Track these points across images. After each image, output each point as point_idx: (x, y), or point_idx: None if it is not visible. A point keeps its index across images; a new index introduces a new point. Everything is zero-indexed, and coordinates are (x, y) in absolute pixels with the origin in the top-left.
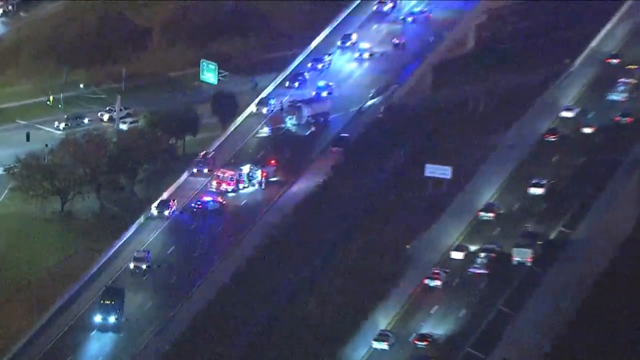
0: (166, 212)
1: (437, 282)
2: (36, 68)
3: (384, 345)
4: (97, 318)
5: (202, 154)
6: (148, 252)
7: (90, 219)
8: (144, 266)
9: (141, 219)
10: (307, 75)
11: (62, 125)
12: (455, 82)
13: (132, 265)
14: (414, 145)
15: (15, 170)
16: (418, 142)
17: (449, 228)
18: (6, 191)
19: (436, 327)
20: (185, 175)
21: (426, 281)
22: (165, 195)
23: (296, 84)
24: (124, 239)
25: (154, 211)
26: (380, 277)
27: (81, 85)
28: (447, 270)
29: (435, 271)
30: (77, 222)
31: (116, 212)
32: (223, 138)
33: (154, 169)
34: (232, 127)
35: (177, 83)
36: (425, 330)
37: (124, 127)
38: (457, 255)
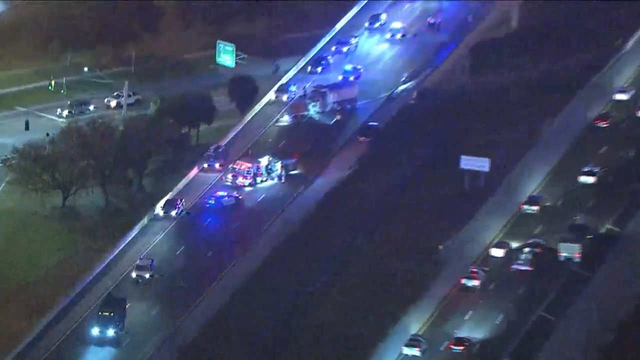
0: (173, 213)
1: (475, 282)
2: (37, 49)
3: (415, 351)
4: (95, 331)
5: (213, 146)
6: (152, 260)
7: (94, 215)
8: (147, 275)
9: (144, 220)
10: (330, 59)
11: (65, 112)
12: (496, 65)
13: (134, 274)
14: (449, 134)
15: (13, 161)
16: (453, 131)
17: (487, 224)
18: (3, 185)
19: (473, 331)
20: (194, 171)
21: (463, 281)
22: (174, 192)
23: (319, 69)
24: (128, 239)
25: (159, 211)
26: (409, 280)
27: (85, 69)
28: (486, 269)
29: (473, 270)
30: (80, 219)
31: (123, 208)
32: (240, 127)
33: (165, 160)
34: (249, 115)
35: (191, 66)
36: (460, 335)
37: (154, 107)
38: (497, 252)
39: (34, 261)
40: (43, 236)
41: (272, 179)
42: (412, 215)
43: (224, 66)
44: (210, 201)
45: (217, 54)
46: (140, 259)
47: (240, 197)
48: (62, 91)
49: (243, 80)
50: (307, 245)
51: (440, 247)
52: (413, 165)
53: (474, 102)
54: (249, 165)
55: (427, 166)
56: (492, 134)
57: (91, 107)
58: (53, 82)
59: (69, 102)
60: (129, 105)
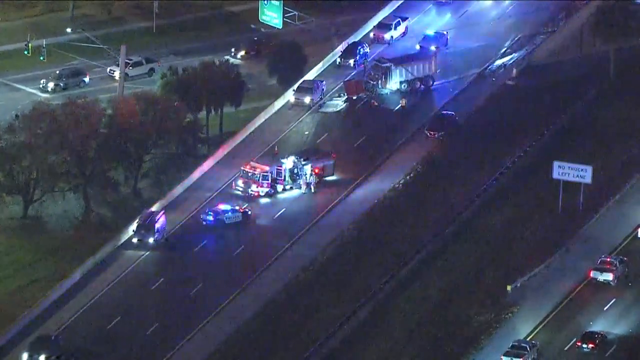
0: (151, 240)
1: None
2: None
3: None
4: None
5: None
6: None
7: (67, 229)
8: None
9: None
10: (367, 48)
11: (51, 84)
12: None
13: None
14: (556, 130)
15: None
16: (566, 125)
17: (579, 261)
18: None
19: None
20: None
21: (592, 274)
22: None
23: (351, 62)
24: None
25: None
26: (469, 331)
27: (68, 30)
28: (625, 259)
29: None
30: (48, 234)
31: (109, 218)
32: (268, 114)
33: (171, 155)
34: (284, 98)
35: (235, 24)
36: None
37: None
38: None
39: None
40: None
41: (299, 187)
42: (483, 242)
43: (270, 26)
44: (207, 217)
45: (260, 9)
46: None
47: (249, 211)
48: (41, 57)
49: (286, 47)
50: (334, 282)
51: (509, 288)
52: (497, 172)
53: (600, 85)
54: (266, 168)
55: (516, 174)
56: (616, 131)
57: (86, 79)
58: (30, 45)
59: (57, 71)
60: (137, 76)
